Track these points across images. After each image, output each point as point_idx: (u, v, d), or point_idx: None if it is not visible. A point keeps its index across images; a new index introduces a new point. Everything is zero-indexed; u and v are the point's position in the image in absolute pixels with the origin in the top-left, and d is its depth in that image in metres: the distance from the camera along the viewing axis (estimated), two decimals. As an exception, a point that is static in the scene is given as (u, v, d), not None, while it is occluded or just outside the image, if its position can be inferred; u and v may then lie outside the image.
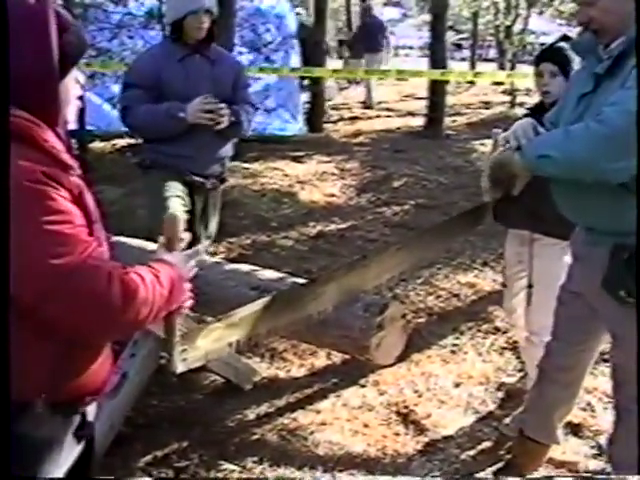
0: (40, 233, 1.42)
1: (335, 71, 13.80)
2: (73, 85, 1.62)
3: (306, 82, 12.59)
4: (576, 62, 3.10)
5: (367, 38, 14.84)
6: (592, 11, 2.33)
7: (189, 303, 1.81)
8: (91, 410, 1.75)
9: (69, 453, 1.68)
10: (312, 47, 11.94)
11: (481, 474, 3.09)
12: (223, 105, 3.68)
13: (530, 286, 3.26)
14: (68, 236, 1.45)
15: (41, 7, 1.48)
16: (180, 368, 2.08)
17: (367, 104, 15.13)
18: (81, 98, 1.68)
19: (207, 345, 2.17)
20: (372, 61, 14.63)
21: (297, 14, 12.87)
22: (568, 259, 3.17)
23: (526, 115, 3.34)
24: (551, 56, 3.14)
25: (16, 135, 1.43)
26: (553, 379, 2.84)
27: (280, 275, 3.12)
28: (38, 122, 1.49)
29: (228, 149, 3.98)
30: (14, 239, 1.38)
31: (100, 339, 1.66)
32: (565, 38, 3.22)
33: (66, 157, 1.54)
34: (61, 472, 1.65)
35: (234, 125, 3.81)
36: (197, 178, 3.77)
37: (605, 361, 3.93)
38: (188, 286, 1.77)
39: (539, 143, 2.45)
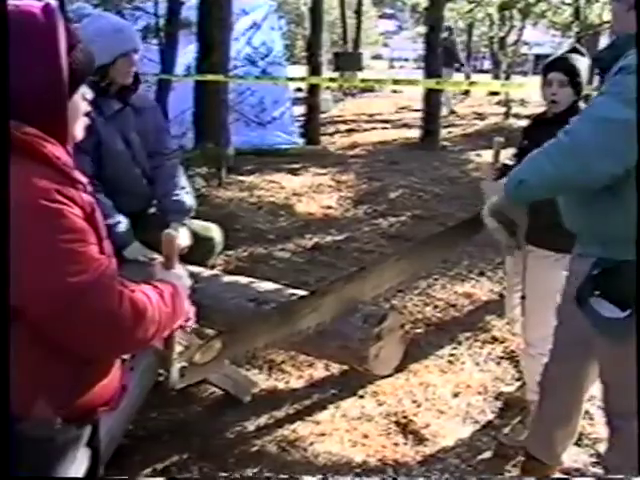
0: (55, 251, 1.42)
1: (332, 79, 13.86)
2: (81, 102, 1.62)
3: (302, 95, 12.66)
4: (583, 74, 3.13)
5: (446, 55, 15.53)
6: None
7: (190, 322, 1.83)
8: (101, 420, 1.77)
9: (82, 463, 1.70)
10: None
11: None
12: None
13: (523, 297, 3.28)
14: (82, 254, 1.46)
15: (52, 23, 1.47)
16: (179, 384, 2.09)
17: (447, 112, 15.73)
18: (88, 114, 1.68)
19: (205, 361, 2.18)
20: (447, 74, 15.31)
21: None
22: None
23: (529, 126, 3.38)
24: (561, 66, 3.12)
25: (29, 152, 1.44)
26: (551, 397, 2.79)
27: (278, 287, 3.12)
28: (50, 139, 1.49)
29: None
30: (30, 257, 1.39)
31: (109, 356, 1.67)
32: (574, 50, 3.23)
33: (77, 174, 1.54)
34: None
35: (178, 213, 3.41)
36: None
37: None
38: (189, 304, 1.79)
39: (515, 172, 2.34)
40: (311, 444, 3.32)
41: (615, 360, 2.39)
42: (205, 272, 3.36)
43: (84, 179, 1.57)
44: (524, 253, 3.23)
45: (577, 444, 3.26)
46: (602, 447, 3.11)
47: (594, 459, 3.22)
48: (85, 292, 1.44)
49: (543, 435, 2.86)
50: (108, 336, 1.50)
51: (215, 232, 3.66)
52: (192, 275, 1.88)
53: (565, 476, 2.98)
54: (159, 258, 1.84)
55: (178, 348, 2.00)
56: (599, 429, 3.35)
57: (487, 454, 3.30)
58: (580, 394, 2.76)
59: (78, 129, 1.64)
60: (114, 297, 1.48)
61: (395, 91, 21.41)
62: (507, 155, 3.38)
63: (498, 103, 16.80)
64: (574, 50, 3.23)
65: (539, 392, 2.87)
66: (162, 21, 9.63)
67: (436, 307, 4.97)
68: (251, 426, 3.48)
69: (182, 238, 3.19)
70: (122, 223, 3.18)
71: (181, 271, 1.81)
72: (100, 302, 1.46)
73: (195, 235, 3.42)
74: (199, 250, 3.42)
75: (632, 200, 2.14)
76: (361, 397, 3.74)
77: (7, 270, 1.37)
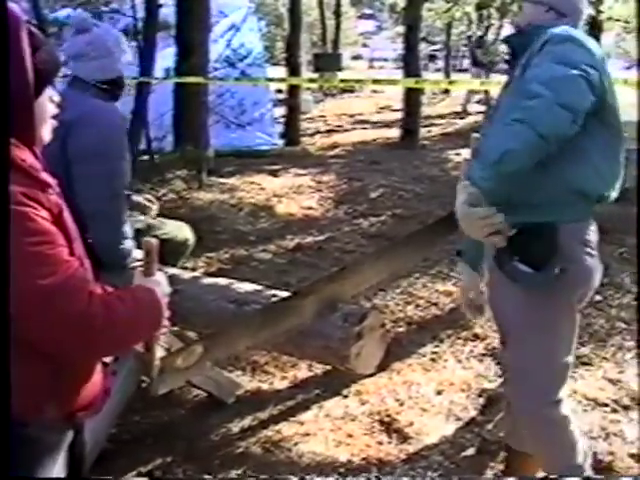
0: (21, 254, 1.41)
1: (311, 80, 13.90)
2: (48, 104, 1.61)
3: (282, 96, 12.67)
4: None
5: (474, 54, 16.81)
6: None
7: (165, 330, 1.83)
8: (84, 425, 1.76)
9: (64, 468, 1.69)
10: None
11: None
12: None
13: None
14: (49, 256, 1.45)
15: (14, 26, 1.46)
16: (161, 390, 2.09)
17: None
18: (56, 117, 1.68)
19: (187, 365, 2.18)
20: (477, 74, 16.37)
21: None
22: None
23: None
24: None
25: None
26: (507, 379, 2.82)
27: (259, 288, 3.13)
28: (15, 142, 1.48)
29: None
30: None
31: (83, 358, 1.66)
32: None
33: (45, 176, 1.54)
34: None
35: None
36: None
37: (584, 364, 3.99)
38: (166, 311, 1.79)
39: (490, 147, 2.22)
40: (295, 444, 3.33)
41: (530, 325, 2.42)
42: (185, 274, 3.36)
43: (52, 181, 1.56)
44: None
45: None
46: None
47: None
48: (54, 294, 1.44)
49: (510, 421, 2.89)
50: (79, 337, 1.49)
51: (189, 233, 3.69)
52: (172, 278, 1.88)
53: (554, 476, 3.00)
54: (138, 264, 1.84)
55: (160, 353, 2.00)
56: (580, 423, 3.38)
57: (470, 451, 3.32)
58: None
59: (45, 131, 1.63)
60: (84, 298, 1.47)
61: (375, 91, 21.45)
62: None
63: (478, 102, 16.88)
64: None
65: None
66: (140, 23, 9.61)
67: (418, 306, 4.99)
68: (235, 428, 3.48)
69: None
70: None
71: (160, 278, 1.81)
72: (70, 304, 1.45)
73: (170, 237, 3.44)
74: (174, 252, 3.44)
75: (564, 170, 2.26)
76: (345, 397, 3.74)
77: (7, 271, 1.37)
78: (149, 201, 3.70)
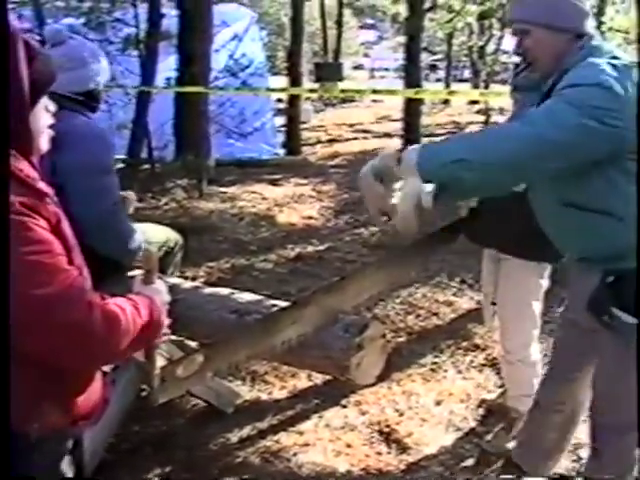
0: (20, 264, 1.41)
1: (311, 90, 13.94)
2: (44, 114, 1.62)
3: (282, 105, 12.71)
4: None
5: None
6: (527, 41, 2.27)
7: (166, 338, 1.84)
8: (84, 435, 1.76)
9: (63, 478, 1.69)
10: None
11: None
12: None
13: (494, 304, 3.31)
14: (48, 265, 1.46)
15: (9, 36, 1.46)
16: (161, 399, 2.09)
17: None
18: (53, 126, 1.68)
19: (188, 375, 2.18)
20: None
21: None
22: (543, 282, 3.21)
23: None
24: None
25: None
26: (544, 408, 2.77)
27: (259, 298, 3.13)
28: (12, 152, 1.48)
29: None
30: None
31: (81, 368, 1.66)
32: None
33: (42, 186, 1.54)
34: None
35: None
36: None
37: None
38: (166, 319, 1.79)
39: (441, 149, 2.06)
40: (294, 454, 3.32)
41: (626, 370, 2.31)
42: (186, 284, 3.36)
43: (49, 190, 1.57)
44: (498, 260, 3.25)
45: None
46: (584, 452, 3.13)
47: (576, 465, 3.24)
48: (53, 303, 1.44)
49: (535, 449, 2.83)
50: (78, 346, 1.49)
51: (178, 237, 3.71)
52: (173, 287, 1.88)
53: (563, 475, 2.99)
54: (139, 273, 1.84)
55: (160, 361, 2.00)
56: (581, 435, 3.37)
57: (470, 461, 3.32)
58: (574, 410, 2.74)
59: (42, 141, 1.63)
60: (83, 307, 1.47)
61: (375, 101, 21.50)
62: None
63: (478, 112, 16.91)
64: None
65: (533, 405, 2.83)
66: (142, 33, 9.64)
67: (418, 316, 4.99)
68: (234, 437, 3.48)
69: None
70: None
71: (161, 286, 1.81)
72: (69, 312, 1.46)
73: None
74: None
75: (628, 218, 2.15)
76: (344, 407, 3.74)
77: (7, 273, 1.37)
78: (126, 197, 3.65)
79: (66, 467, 1.70)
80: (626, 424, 2.42)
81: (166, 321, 1.79)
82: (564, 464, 3.22)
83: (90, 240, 2.89)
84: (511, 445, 3.13)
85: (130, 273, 3.01)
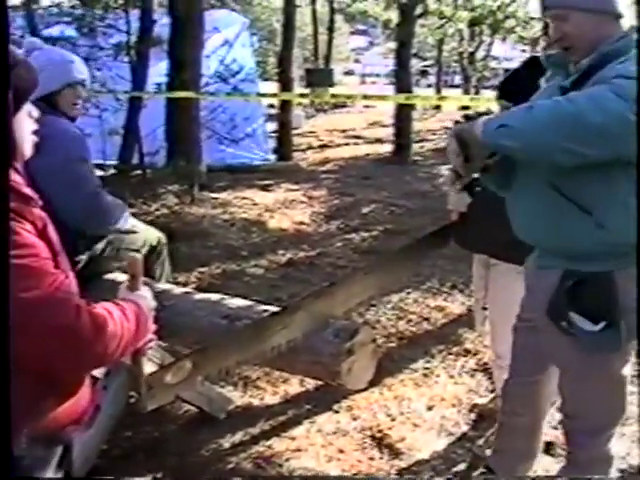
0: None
1: (302, 95, 13.96)
2: (27, 119, 1.62)
3: (273, 111, 12.72)
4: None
5: None
6: (565, 27, 2.23)
7: (153, 343, 1.84)
8: (75, 441, 1.76)
9: None
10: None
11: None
12: None
13: (485, 308, 3.32)
14: (34, 269, 1.46)
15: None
16: (150, 406, 2.09)
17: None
18: (36, 132, 1.68)
19: (177, 381, 2.18)
20: None
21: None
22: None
23: None
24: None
25: None
26: (509, 412, 2.78)
27: (250, 303, 3.13)
28: None
29: None
30: None
31: (70, 372, 1.65)
32: (532, 62, 3.16)
33: (27, 190, 1.55)
34: None
35: None
36: None
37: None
38: (152, 324, 1.79)
39: (502, 117, 2.21)
40: (287, 460, 3.32)
41: (590, 374, 2.36)
42: (177, 289, 3.36)
43: (34, 195, 1.57)
44: (488, 265, 3.26)
45: (550, 454, 3.28)
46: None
47: (558, 466, 3.24)
48: (40, 306, 1.44)
49: (508, 454, 2.84)
50: (66, 349, 1.49)
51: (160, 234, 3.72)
52: (163, 293, 1.89)
53: (563, 475, 2.99)
54: (124, 279, 1.84)
55: (150, 367, 2.00)
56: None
57: (462, 466, 3.31)
58: (538, 410, 2.75)
59: (26, 147, 1.63)
60: (70, 310, 1.48)
61: (367, 106, 21.54)
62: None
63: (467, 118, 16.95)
64: (532, 62, 3.16)
65: (500, 411, 2.86)
66: (133, 38, 9.64)
67: (409, 321, 4.99)
68: (226, 443, 3.47)
69: None
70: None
71: (146, 292, 1.82)
72: (56, 316, 1.46)
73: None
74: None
75: (605, 217, 2.14)
76: (336, 412, 3.74)
77: (7, 275, 1.37)
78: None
79: (54, 475, 1.69)
80: (597, 426, 2.46)
81: (153, 327, 1.79)
82: (555, 468, 3.23)
83: (79, 225, 3.03)
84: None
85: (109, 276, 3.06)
